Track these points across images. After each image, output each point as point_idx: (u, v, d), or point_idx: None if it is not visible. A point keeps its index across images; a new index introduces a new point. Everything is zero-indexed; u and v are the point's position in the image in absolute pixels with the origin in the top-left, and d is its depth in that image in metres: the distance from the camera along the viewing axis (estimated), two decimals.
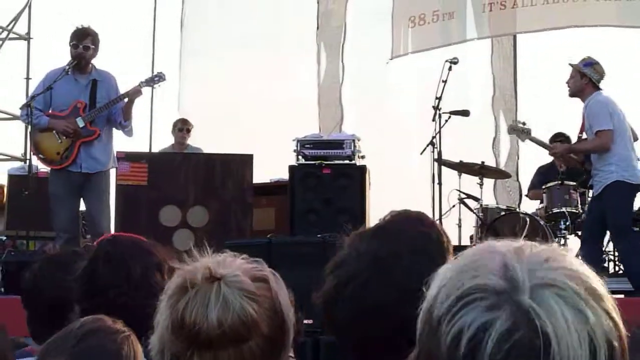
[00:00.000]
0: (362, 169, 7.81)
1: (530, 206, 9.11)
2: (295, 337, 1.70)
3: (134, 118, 7.46)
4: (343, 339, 1.83)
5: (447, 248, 1.87)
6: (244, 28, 11.14)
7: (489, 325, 0.97)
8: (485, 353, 0.97)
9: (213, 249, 1.65)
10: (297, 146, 7.91)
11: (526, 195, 9.55)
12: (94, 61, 7.38)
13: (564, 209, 8.04)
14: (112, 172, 7.50)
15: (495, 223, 8.16)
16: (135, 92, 7.33)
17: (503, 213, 8.42)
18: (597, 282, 1.03)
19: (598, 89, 7.17)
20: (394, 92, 11.07)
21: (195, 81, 11.57)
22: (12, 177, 9.22)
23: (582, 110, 7.26)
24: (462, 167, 8.47)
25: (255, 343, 1.57)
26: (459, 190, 8.44)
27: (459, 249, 1.25)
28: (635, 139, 7.34)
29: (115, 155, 7.46)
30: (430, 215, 7.31)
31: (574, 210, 8.04)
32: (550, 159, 8.76)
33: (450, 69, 7.94)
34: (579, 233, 7.91)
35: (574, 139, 7.96)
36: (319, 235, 6.26)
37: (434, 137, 7.91)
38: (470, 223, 8.64)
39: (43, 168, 7.99)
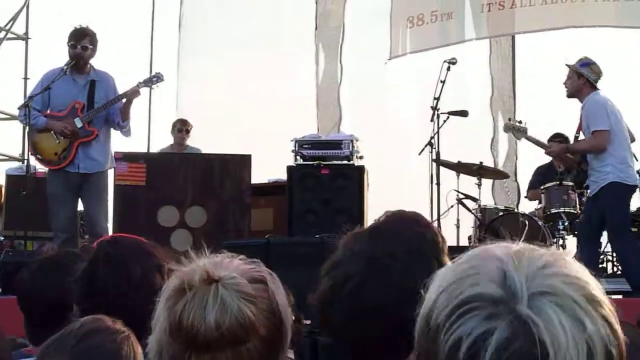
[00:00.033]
0: (361, 170, 7.79)
1: (528, 206, 9.10)
2: (296, 337, 1.69)
3: (132, 118, 7.49)
4: (339, 340, 1.83)
5: (442, 248, 1.87)
6: (242, 28, 11.13)
7: (488, 335, 0.98)
8: None
9: (211, 250, 1.65)
10: (295, 146, 7.89)
11: (525, 196, 9.53)
12: (92, 61, 7.38)
13: (562, 210, 8.02)
14: (110, 173, 7.49)
15: (493, 223, 8.15)
16: (133, 93, 7.33)
17: (501, 213, 8.42)
18: (595, 288, 1.03)
19: (595, 89, 7.16)
20: (392, 93, 11.07)
21: (193, 81, 11.56)
22: (9, 177, 9.22)
23: (579, 111, 7.26)
24: (461, 168, 8.47)
25: (253, 345, 1.57)
26: (458, 191, 8.44)
27: (457, 249, 1.25)
28: (632, 139, 7.33)
29: (113, 155, 7.46)
30: (428, 215, 7.32)
31: (572, 211, 8.03)
32: (548, 159, 8.76)
33: (448, 69, 7.93)
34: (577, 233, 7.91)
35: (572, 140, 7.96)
36: (317, 236, 6.26)
37: (432, 138, 7.91)
38: (468, 223, 8.65)
39: (41, 168, 8.00)
